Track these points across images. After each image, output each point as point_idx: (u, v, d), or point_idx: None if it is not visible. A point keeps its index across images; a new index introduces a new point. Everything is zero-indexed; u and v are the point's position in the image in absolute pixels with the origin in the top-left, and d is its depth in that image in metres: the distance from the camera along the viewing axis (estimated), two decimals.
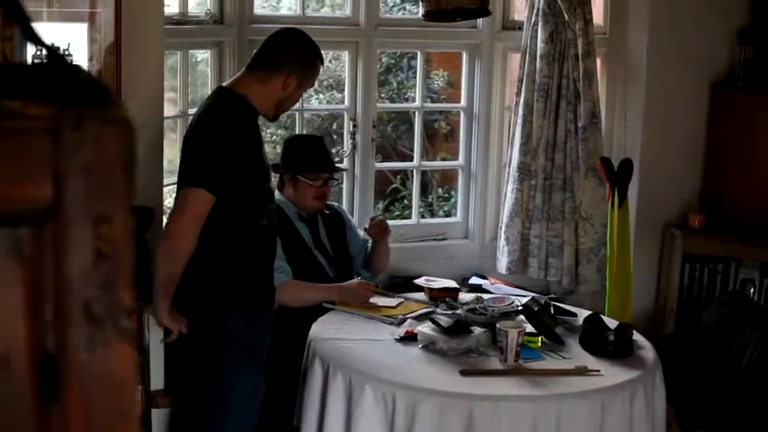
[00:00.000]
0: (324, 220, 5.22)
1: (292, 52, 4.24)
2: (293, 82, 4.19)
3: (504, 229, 5.97)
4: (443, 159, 7.85)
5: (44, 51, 1.01)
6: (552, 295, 5.71)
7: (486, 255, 6.17)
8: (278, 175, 5.18)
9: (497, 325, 4.20)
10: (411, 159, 7.49)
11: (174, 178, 4.34)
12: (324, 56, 4.44)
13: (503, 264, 5.99)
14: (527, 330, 4.33)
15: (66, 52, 4.65)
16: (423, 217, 6.43)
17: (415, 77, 7.94)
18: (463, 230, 6.32)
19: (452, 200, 7.77)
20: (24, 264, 0.89)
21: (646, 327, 5.72)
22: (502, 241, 5.99)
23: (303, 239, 5.08)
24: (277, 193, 5.16)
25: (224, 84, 4.38)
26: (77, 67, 0.99)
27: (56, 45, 4.56)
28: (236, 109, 4.12)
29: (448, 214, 7.69)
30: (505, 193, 5.99)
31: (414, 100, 7.75)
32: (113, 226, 0.92)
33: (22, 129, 0.87)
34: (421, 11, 5.30)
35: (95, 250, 0.91)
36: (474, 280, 5.94)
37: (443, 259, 6.09)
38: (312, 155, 5.12)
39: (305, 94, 5.12)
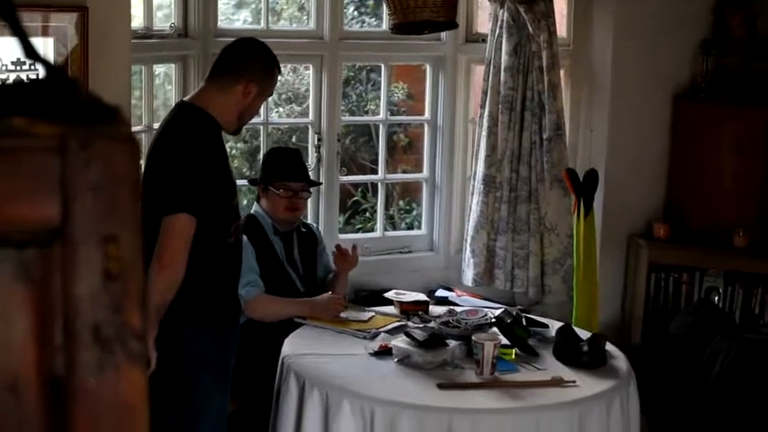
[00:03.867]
0: (298, 238, 5.18)
1: (251, 59, 4.22)
2: (254, 89, 4.15)
3: (469, 241, 5.97)
4: (404, 172, 7.84)
5: (43, 67, 0.98)
6: (519, 306, 5.73)
7: (451, 267, 6.17)
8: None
9: (473, 338, 4.21)
10: (370, 172, 7.50)
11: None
12: (283, 68, 4.42)
13: (468, 276, 5.99)
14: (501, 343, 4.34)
15: (32, 67, 4.60)
16: (386, 230, 6.41)
17: (374, 90, 7.96)
18: (428, 243, 6.32)
19: (414, 212, 7.77)
20: (32, 286, 0.87)
21: (613, 336, 5.69)
22: (467, 253, 5.99)
23: (276, 253, 5.05)
24: (255, 206, 5.15)
25: (185, 98, 4.35)
26: (79, 84, 0.97)
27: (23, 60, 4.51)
28: (198, 125, 4.07)
29: (410, 226, 7.68)
30: (470, 206, 6.00)
31: (373, 112, 7.78)
32: (122, 246, 0.90)
33: (28, 148, 0.86)
34: (389, 24, 5.29)
35: (104, 271, 0.89)
36: (440, 292, 5.93)
37: (409, 272, 6.08)
38: (283, 166, 5.09)
39: (264, 106, 5.09)
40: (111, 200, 0.89)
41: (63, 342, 0.89)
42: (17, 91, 0.93)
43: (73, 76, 4.41)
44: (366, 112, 8.08)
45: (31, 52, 0.97)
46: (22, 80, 1.02)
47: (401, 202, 8.06)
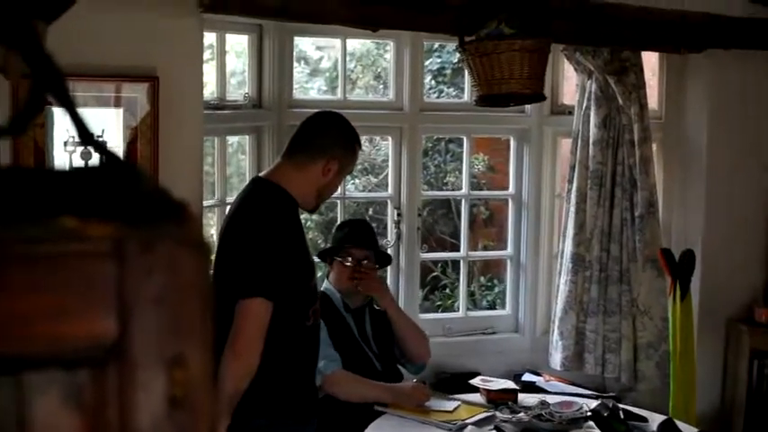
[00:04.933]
0: (371, 315, 4.93)
1: (332, 135, 3.99)
2: (334, 167, 3.92)
3: (557, 323, 5.68)
4: (485, 246, 7.57)
5: (97, 152, 0.84)
6: (612, 394, 5.42)
7: (537, 349, 5.87)
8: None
9: None
10: (450, 246, 7.26)
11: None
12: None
13: (556, 359, 5.68)
14: None
15: (101, 139, 4.41)
16: (468, 309, 6.11)
17: (453, 161, 7.74)
18: (513, 324, 6.03)
19: (496, 289, 7.48)
20: (83, 414, 0.74)
21: (712, 428, 5.41)
22: (555, 336, 5.69)
23: (351, 330, 4.81)
24: (325, 282, 4.92)
25: (260, 174, 4.12)
26: (141, 173, 0.81)
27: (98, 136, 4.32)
28: (275, 203, 3.84)
29: (492, 304, 7.39)
30: (558, 285, 5.72)
31: (452, 184, 7.55)
32: (189, 367, 0.77)
33: (79, 253, 0.73)
34: (472, 96, 5.05)
35: (168, 398, 0.76)
36: (527, 377, 5.63)
37: (493, 354, 5.80)
38: (347, 234, 4.88)
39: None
40: (177, 314, 0.76)
41: None
42: (66, 182, 0.79)
43: (135, 162, 4.20)
44: (445, 184, 7.86)
45: (84, 134, 0.84)
46: (74, 168, 0.83)
47: (482, 278, 7.77)
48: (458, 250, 6.36)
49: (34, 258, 0.72)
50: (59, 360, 0.73)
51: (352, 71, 7.73)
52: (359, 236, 4.88)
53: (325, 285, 4.93)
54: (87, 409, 0.74)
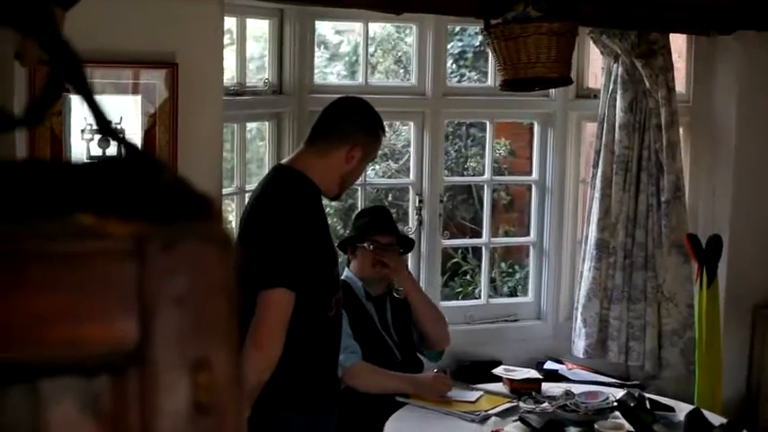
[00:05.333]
0: (392, 304, 4.87)
1: (355, 121, 3.92)
2: (358, 153, 3.85)
3: (580, 310, 5.61)
4: (506, 232, 7.50)
5: (116, 143, 0.80)
6: (636, 381, 5.36)
7: (560, 336, 5.81)
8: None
9: (596, 426, 3.89)
10: (470, 231, 7.19)
11: None
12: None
13: (579, 347, 5.62)
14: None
15: (119, 126, 4.35)
16: (490, 296, 6.04)
17: (474, 145, 7.66)
18: (535, 311, 5.96)
19: (517, 275, 7.41)
20: (102, 422, 0.72)
21: (736, 416, 5.33)
22: (578, 323, 5.62)
23: (372, 320, 4.75)
24: (346, 271, 4.86)
25: (282, 162, 4.06)
26: (162, 166, 0.78)
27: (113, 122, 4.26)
28: (297, 191, 3.78)
29: (513, 290, 7.32)
30: (581, 272, 5.65)
31: (474, 169, 7.48)
32: (215, 371, 0.73)
33: (97, 252, 0.70)
34: (497, 80, 4.98)
35: (193, 403, 0.73)
36: (549, 365, 5.57)
37: (514, 341, 5.74)
38: (369, 221, 4.84)
39: None
40: (200, 315, 0.73)
41: None
42: (85, 176, 0.76)
43: (156, 154, 4.14)
44: (466, 169, 7.78)
45: (102, 123, 0.81)
46: (93, 161, 0.80)
47: (503, 265, 7.69)
48: (478, 236, 6.31)
49: (49, 257, 0.69)
50: (76, 366, 0.71)
51: (373, 55, 7.65)
52: (382, 222, 4.83)
53: (345, 274, 4.87)
54: (106, 417, 0.72)
